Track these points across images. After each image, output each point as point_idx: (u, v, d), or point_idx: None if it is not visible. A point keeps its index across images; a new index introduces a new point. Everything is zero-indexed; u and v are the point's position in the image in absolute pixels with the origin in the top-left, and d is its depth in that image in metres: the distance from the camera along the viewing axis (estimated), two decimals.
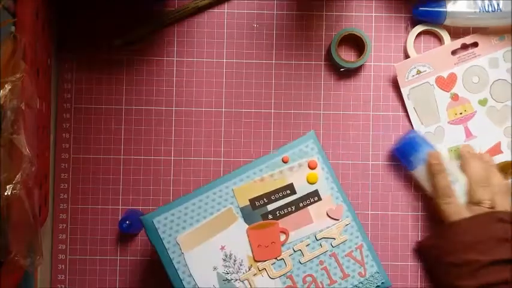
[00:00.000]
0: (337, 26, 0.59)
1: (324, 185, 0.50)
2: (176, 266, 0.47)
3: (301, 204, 0.49)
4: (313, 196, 0.49)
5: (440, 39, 0.59)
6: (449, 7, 0.56)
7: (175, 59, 0.59)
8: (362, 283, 0.49)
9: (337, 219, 0.49)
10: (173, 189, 0.58)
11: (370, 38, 0.59)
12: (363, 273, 0.49)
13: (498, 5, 0.56)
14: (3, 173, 0.42)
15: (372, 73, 0.59)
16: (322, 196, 0.49)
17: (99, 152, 0.58)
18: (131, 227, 0.54)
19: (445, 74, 0.58)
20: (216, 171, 0.58)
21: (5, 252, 0.42)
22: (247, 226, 0.48)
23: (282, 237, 0.49)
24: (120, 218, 0.58)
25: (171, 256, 0.47)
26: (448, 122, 0.58)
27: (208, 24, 0.59)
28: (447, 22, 0.57)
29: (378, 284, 0.49)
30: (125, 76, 0.59)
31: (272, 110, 0.59)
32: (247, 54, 0.59)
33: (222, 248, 0.48)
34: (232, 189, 0.49)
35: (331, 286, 0.49)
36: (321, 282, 0.49)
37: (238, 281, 0.48)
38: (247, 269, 0.48)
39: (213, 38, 0.59)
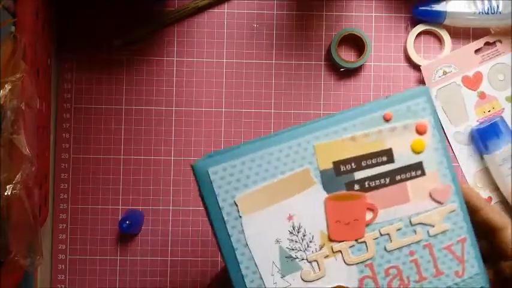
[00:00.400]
0: (337, 26, 0.59)
1: (432, 157, 0.38)
2: (230, 232, 0.37)
3: (398, 177, 0.38)
4: (416, 169, 0.39)
5: (440, 40, 0.59)
6: (449, 7, 0.56)
7: (175, 59, 0.59)
8: (457, 284, 0.39)
9: (441, 203, 0.39)
10: (173, 189, 0.58)
11: (370, 38, 0.59)
12: (461, 272, 0.39)
13: (498, 6, 0.56)
14: (3, 173, 0.42)
15: (372, 73, 0.59)
16: (427, 171, 0.39)
17: (99, 152, 0.58)
18: (131, 227, 0.54)
19: (470, 73, 0.59)
20: None
21: (5, 252, 0.42)
22: (326, 195, 0.38)
23: (368, 216, 0.38)
24: (120, 218, 0.58)
25: (226, 218, 0.37)
26: (477, 121, 0.59)
27: (208, 24, 0.59)
28: (447, 22, 0.57)
29: None
30: (125, 76, 0.59)
31: (272, 110, 0.59)
32: (247, 54, 0.59)
33: (290, 217, 0.38)
34: (314, 146, 0.38)
35: (419, 284, 0.39)
36: (407, 277, 0.38)
37: (305, 261, 0.38)
38: (318, 248, 0.38)
39: (213, 38, 0.59)
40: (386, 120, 0.38)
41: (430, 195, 0.39)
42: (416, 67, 0.59)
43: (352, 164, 0.38)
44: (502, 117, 0.57)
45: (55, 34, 0.58)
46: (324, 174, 0.38)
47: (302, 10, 0.59)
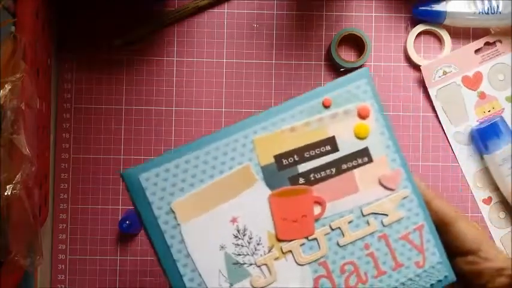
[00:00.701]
0: (337, 26, 0.59)
1: (378, 142, 0.36)
2: (169, 242, 0.33)
3: (344, 166, 0.36)
4: (362, 156, 0.36)
5: (440, 40, 0.59)
6: (449, 7, 0.56)
7: (175, 59, 0.59)
8: (419, 276, 0.36)
9: (393, 189, 0.36)
10: None
11: (370, 38, 0.59)
12: (421, 262, 0.36)
13: (498, 6, 0.56)
14: (3, 173, 0.42)
15: (372, 73, 0.59)
16: (374, 157, 0.36)
17: (99, 152, 0.58)
18: (131, 227, 0.54)
19: (470, 73, 0.59)
20: None
21: (5, 252, 0.42)
22: (269, 192, 0.35)
23: (317, 210, 0.36)
24: (120, 218, 0.58)
25: (163, 228, 0.33)
26: (477, 121, 0.59)
27: (208, 24, 0.59)
28: (447, 22, 0.57)
29: (440, 278, 0.36)
30: (125, 76, 0.59)
31: None
32: (247, 54, 0.59)
33: (234, 220, 0.35)
34: (253, 140, 0.35)
35: (378, 279, 0.36)
36: (364, 273, 0.36)
37: (254, 265, 0.35)
38: (267, 251, 0.35)
39: (213, 38, 0.59)
40: (326, 106, 0.36)
41: (380, 182, 0.36)
42: (416, 67, 0.59)
43: (295, 157, 0.35)
44: (502, 117, 0.57)
45: (55, 34, 0.58)
46: (265, 170, 0.35)
47: (302, 10, 0.59)
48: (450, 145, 0.59)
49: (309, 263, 0.35)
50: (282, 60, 0.59)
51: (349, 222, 0.36)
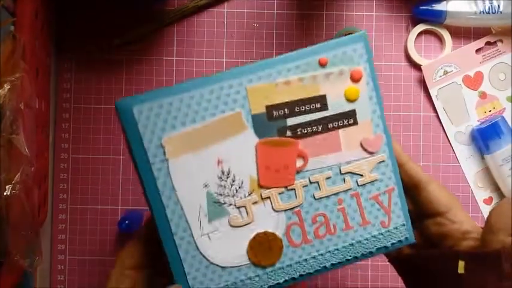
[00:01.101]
0: (337, 25, 0.59)
1: (365, 106, 0.38)
2: (156, 174, 0.35)
3: (330, 125, 0.38)
4: (349, 117, 0.38)
5: (441, 39, 0.59)
6: (450, 7, 0.56)
7: (174, 58, 0.59)
8: (382, 234, 0.39)
9: (372, 153, 0.38)
10: None
11: (370, 37, 0.59)
12: (387, 223, 0.39)
13: (498, 6, 0.56)
14: (2, 173, 0.42)
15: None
16: (359, 120, 0.38)
17: (98, 152, 0.58)
18: (130, 227, 0.54)
19: (471, 73, 0.59)
20: None
21: (5, 252, 0.42)
22: (257, 140, 0.37)
23: (299, 163, 0.38)
24: (119, 218, 0.58)
25: (151, 160, 0.35)
26: (478, 120, 0.59)
27: (208, 24, 0.59)
28: (447, 22, 0.57)
29: (400, 239, 0.39)
30: (124, 76, 0.58)
31: None
32: (247, 53, 0.59)
33: (219, 162, 0.36)
34: (246, 88, 0.36)
35: (345, 232, 0.38)
36: (333, 225, 0.38)
37: (233, 206, 0.37)
38: (247, 194, 0.37)
39: (213, 37, 0.59)
40: (322, 65, 0.37)
41: (361, 145, 0.38)
42: (417, 67, 0.59)
43: (285, 110, 0.37)
44: (503, 117, 0.57)
45: (54, 34, 0.58)
46: (256, 118, 0.36)
47: (302, 9, 0.59)
48: (451, 145, 0.59)
49: (285, 211, 0.37)
50: None
51: (327, 178, 0.38)
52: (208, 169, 0.36)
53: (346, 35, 0.57)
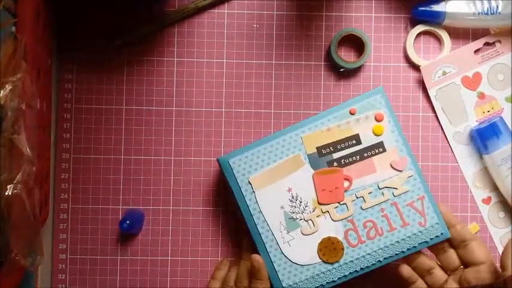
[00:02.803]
0: (337, 26, 0.59)
1: (390, 137, 0.52)
2: (248, 203, 0.52)
3: (365, 154, 0.52)
4: (378, 147, 0.52)
5: (439, 40, 0.59)
6: (449, 8, 0.56)
7: (175, 59, 0.59)
8: (421, 232, 0.51)
9: (401, 171, 0.52)
10: (173, 189, 0.58)
11: (369, 38, 0.59)
12: (423, 223, 0.51)
13: (497, 7, 0.56)
14: (3, 173, 0.42)
15: (372, 73, 0.59)
16: (387, 147, 0.52)
17: (99, 152, 0.58)
18: (132, 227, 0.54)
19: (470, 74, 0.59)
20: (216, 171, 0.59)
21: (6, 252, 0.42)
22: (313, 171, 0.52)
23: (346, 184, 0.52)
24: (120, 217, 0.58)
25: (244, 194, 0.52)
26: (476, 121, 0.59)
27: (208, 25, 0.59)
28: (446, 22, 0.57)
29: (437, 235, 0.51)
30: (125, 76, 0.59)
31: (272, 110, 0.59)
32: (247, 54, 0.59)
33: (289, 190, 0.52)
34: (301, 137, 0.52)
35: (391, 232, 0.51)
36: (380, 227, 0.51)
37: (303, 220, 0.52)
38: (312, 210, 0.52)
39: (213, 38, 0.59)
40: (352, 113, 0.52)
41: (391, 166, 0.52)
42: (415, 67, 0.59)
43: (331, 148, 0.52)
44: (501, 118, 0.57)
45: (56, 34, 0.58)
46: (310, 157, 0.52)
47: (302, 10, 0.59)
48: (450, 145, 0.59)
49: (341, 220, 0.52)
50: (282, 60, 0.59)
51: (369, 193, 0.52)
52: (282, 195, 0.52)
53: (345, 35, 0.57)
